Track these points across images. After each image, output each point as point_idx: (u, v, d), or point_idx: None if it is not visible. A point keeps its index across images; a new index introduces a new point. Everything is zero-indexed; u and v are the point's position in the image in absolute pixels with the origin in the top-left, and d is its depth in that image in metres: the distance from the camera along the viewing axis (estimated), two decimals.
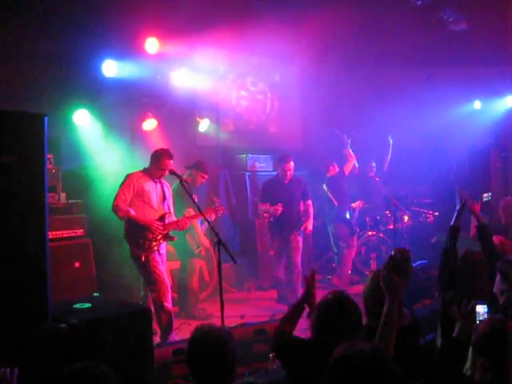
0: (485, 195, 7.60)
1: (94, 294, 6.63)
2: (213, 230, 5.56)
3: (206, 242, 7.81)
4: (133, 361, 4.35)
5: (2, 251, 3.77)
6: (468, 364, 3.35)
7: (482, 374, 3.00)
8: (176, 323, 6.99)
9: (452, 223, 5.31)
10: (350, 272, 9.49)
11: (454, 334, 3.43)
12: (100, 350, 4.13)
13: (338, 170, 9.51)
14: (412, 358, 3.36)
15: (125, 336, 4.38)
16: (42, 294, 4.00)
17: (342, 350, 2.39)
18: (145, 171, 6.58)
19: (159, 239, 6.43)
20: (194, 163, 7.79)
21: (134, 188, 6.42)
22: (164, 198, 6.66)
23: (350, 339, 3.14)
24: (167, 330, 6.37)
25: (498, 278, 4.46)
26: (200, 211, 6.08)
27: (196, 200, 6.68)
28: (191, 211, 7.19)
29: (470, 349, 3.18)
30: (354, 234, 9.41)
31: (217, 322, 5.40)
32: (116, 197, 6.38)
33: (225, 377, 3.09)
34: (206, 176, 7.87)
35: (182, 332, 6.79)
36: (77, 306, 4.63)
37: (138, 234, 6.38)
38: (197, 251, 7.88)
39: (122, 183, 6.45)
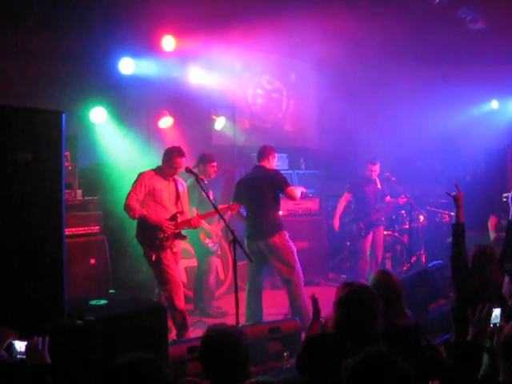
0: (504, 195, 7.56)
1: (110, 291, 6.66)
2: (228, 228, 5.56)
3: (216, 233, 7.87)
4: None
5: (19, 248, 3.80)
6: (484, 366, 3.34)
7: (506, 378, 2.97)
8: (190, 321, 7.02)
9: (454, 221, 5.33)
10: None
11: (468, 338, 3.42)
12: (115, 347, 4.15)
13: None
14: (412, 358, 3.36)
15: (140, 333, 4.40)
16: (58, 290, 4.02)
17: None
18: (157, 170, 6.57)
19: (171, 238, 6.43)
20: (197, 161, 7.80)
21: (146, 187, 6.42)
22: (177, 196, 6.64)
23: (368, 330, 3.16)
24: (182, 327, 6.38)
25: (506, 279, 4.41)
26: (215, 209, 6.07)
27: (211, 197, 6.70)
28: (194, 210, 7.21)
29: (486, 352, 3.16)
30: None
31: (232, 319, 5.41)
32: (128, 196, 6.38)
33: (237, 375, 3.10)
34: (215, 163, 7.86)
35: (196, 330, 6.81)
36: (93, 302, 4.65)
37: (150, 234, 6.38)
38: (214, 248, 7.90)
39: (134, 182, 6.46)
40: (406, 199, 9.30)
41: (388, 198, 9.62)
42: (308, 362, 3.59)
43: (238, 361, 3.08)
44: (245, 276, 8.52)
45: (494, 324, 3.46)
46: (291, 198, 7.05)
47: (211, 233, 7.84)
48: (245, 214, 7.17)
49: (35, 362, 3.18)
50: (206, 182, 7.28)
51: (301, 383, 3.29)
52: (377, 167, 9.25)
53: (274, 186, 6.99)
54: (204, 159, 7.79)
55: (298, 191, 7.07)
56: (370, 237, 9.28)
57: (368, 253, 9.30)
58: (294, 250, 6.99)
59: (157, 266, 6.41)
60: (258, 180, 7.06)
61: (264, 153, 7.22)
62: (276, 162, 7.44)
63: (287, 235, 7.01)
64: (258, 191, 6.98)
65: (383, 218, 9.98)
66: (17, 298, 3.79)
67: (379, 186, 9.46)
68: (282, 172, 7.36)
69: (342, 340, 3.34)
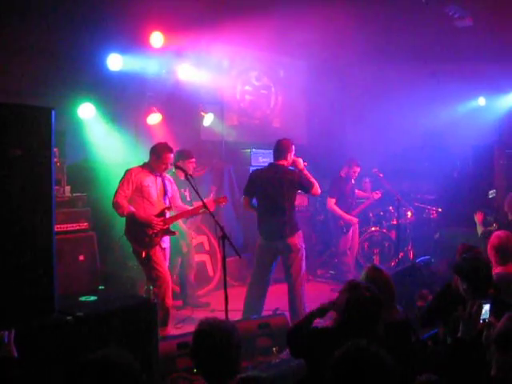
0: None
1: (99, 287, 6.66)
2: (218, 224, 5.55)
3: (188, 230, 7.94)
4: (138, 354, 4.36)
5: (9, 244, 3.79)
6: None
7: (498, 372, 2.98)
8: (180, 317, 7.06)
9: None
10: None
11: (459, 334, 3.44)
12: (105, 343, 4.15)
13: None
14: (403, 354, 3.38)
15: (130, 329, 4.40)
16: (48, 286, 4.02)
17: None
18: (144, 166, 6.55)
19: (159, 234, 6.42)
20: (175, 156, 7.37)
21: (133, 183, 6.40)
22: (165, 192, 6.64)
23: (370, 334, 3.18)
24: (161, 324, 6.33)
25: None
26: (204, 204, 6.04)
27: (188, 197, 6.72)
28: None
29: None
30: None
31: (221, 316, 5.42)
32: (116, 193, 6.36)
33: (229, 370, 3.10)
34: (194, 159, 7.75)
35: (185, 326, 6.85)
36: (82, 298, 4.67)
37: (138, 230, 6.36)
38: (184, 250, 7.90)
39: (121, 179, 6.43)
40: (380, 194, 9.54)
41: (357, 191, 9.86)
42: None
43: (229, 356, 3.08)
44: (233, 272, 8.57)
45: (484, 319, 3.48)
46: (316, 195, 7.22)
47: (186, 234, 7.84)
48: (256, 206, 7.01)
49: (1, 355, 3.17)
50: (182, 178, 7.19)
51: (294, 380, 3.30)
52: (359, 169, 9.48)
53: (297, 189, 6.89)
54: (183, 155, 7.66)
55: (317, 186, 6.98)
56: (350, 233, 9.43)
57: (348, 247, 9.50)
58: (305, 254, 6.99)
59: (146, 263, 6.40)
60: (278, 181, 6.82)
61: (282, 150, 6.95)
62: (294, 155, 7.10)
63: (302, 236, 7.00)
64: (279, 192, 6.78)
65: (371, 215, 10.06)
66: (6, 294, 3.79)
67: (353, 181, 9.60)
68: (302, 173, 7.00)
69: (342, 338, 3.32)
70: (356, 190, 9.82)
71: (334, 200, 9.35)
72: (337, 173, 9.58)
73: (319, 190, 7.03)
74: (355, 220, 9.40)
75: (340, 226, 9.37)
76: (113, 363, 2.49)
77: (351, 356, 2.50)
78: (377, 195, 9.63)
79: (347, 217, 9.31)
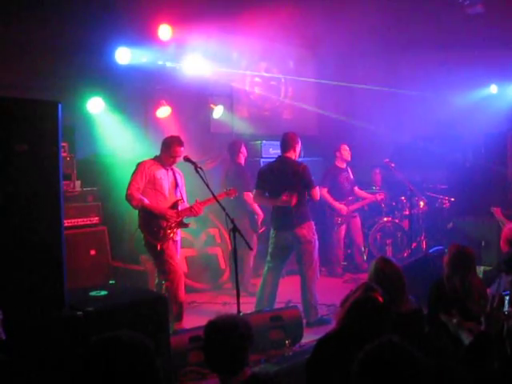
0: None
1: (110, 282, 6.65)
2: (228, 217, 5.51)
3: None
4: None
5: (18, 240, 3.78)
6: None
7: None
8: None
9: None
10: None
11: (482, 328, 3.34)
12: None
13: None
14: (415, 344, 3.30)
15: (141, 323, 4.38)
16: (58, 281, 4.01)
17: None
18: (156, 159, 6.54)
19: (174, 227, 6.41)
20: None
21: (146, 176, 6.39)
22: (176, 185, 6.62)
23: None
24: (176, 319, 6.35)
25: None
26: (214, 196, 5.99)
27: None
28: None
29: None
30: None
31: (232, 308, 5.40)
32: (129, 186, 6.34)
33: (232, 367, 3.08)
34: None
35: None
36: (93, 293, 4.65)
37: (153, 223, 6.35)
38: None
39: (134, 172, 6.42)
40: (383, 196, 9.47)
41: (356, 188, 9.80)
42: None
43: (239, 351, 3.06)
44: None
45: (503, 312, 3.40)
46: (313, 198, 7.02)
47: None
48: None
49: None
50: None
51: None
52: (347, 146, 9.50)
53: (301, 184, 6.88)
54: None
55: (318, 192, 7.10)
56: (344, 225, 9.40)
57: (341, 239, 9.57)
58: (317, 245, 6.96)
59: (159, 256, 6.37)
60: (286, 173, 6.89)
61: (289, 142, 7.01)
62: (300, 150, 7.20)
63: (314, 227, 6.97)
64: (287, 184, 6.82)
65: (383, 205, 9.97)
66: (16, 289, 3.78)
67: (351, 175, 9.55)
68: (308, 168, 7.01)
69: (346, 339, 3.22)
70: (356, 188, 9.77)
71: (325, 189, 9.31)
72: (332, 163, 9.58)
73: (318, 196, 7.09)
74: (344, 209, 9.30)
75: (335, 218, 9.33)
76: (124, 342, 2.33)
77: (382, 352, 2.26)
78: (380, 196, 9.56)
79: (337, 205, 9.30)
